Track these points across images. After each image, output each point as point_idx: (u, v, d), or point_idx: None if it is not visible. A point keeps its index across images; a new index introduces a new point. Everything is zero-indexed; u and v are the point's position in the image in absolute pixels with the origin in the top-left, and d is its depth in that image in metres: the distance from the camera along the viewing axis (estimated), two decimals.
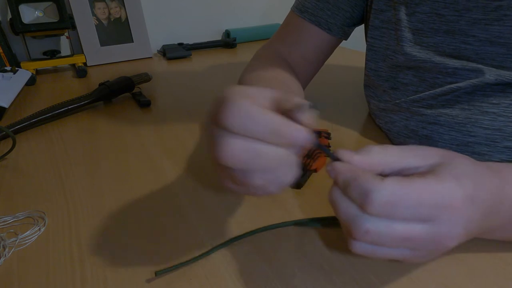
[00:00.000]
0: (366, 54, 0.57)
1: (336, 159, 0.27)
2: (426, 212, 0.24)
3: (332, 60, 0.64)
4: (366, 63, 0.57)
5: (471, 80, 0.43)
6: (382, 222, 0.24)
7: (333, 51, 0.63)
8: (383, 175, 0.26)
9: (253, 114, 0.24)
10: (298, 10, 0.60)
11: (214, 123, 0.26)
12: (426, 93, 0.47)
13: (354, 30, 0.61)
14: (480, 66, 0.42)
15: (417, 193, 0.24)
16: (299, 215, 0.39)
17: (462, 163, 0.27)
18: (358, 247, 0.26)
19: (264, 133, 0.24)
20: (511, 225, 0.30)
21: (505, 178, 0.29)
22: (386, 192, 0.24)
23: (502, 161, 0.43)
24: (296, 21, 0.60)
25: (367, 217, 0.25)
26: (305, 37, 0.59)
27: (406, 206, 0.24)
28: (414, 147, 0.28)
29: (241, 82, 0.56)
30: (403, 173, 0.27)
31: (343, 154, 0.27)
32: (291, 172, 0.26)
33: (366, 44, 0.57)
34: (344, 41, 0.62)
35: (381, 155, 0.27)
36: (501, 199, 0.28)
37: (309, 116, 0.25)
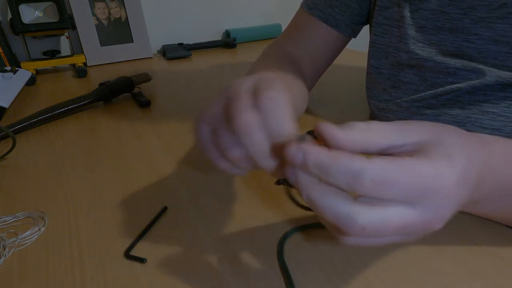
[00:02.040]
0: (368, 51, 0.57)
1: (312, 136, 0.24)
2: (418, 195, 0.23)
3: (335, 60, 0.65)
4: (368, 60, 0.57)
5: (471, 81, 0.43)
6: (376, 215, 0.23)
7: (341, 49, 0.63)
8: (366, 155, 0.24)
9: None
10: (307, 6, 0.60)
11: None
12: (427, 92, 0.47)
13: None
14: (481, 66, 0.42)
15: (409, 174, 0.22)
16: (299, 215, 0.39)
17: (453, 138, 0.25)
18: (352, 241, 0.25)
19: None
20: (489, 199, 0.30)
21: (492, 151, 0.28)
22: (377, 171, 0.22)
23: None
24: (304, 18, 0.61)
25: (361, 211, 0.22)
26: (312, 33, 0.60)
27: (399, 187, 0.22)
28: (401, 122, 0.26)
29: None
30: (387, 152, 0.25)
31: (324, 127, 0.24)
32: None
33: (369, 41, 0.56)
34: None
35: (366, 132, 0.24)
36: (485, 173, 0.27)
37: None
